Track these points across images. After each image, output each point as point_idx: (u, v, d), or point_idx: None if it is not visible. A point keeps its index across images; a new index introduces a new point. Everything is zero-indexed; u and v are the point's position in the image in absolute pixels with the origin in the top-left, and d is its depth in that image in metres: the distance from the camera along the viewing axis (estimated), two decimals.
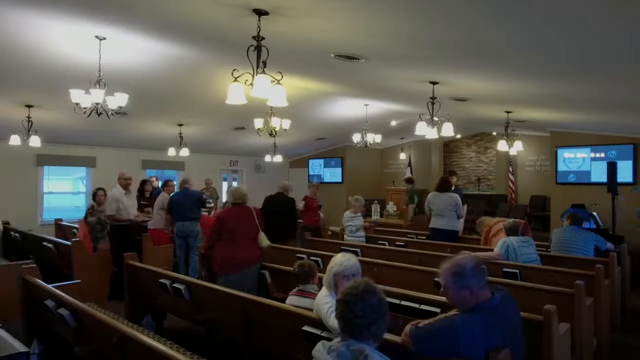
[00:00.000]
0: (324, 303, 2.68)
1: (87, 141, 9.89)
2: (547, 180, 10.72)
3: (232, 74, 3.63)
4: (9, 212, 8.07)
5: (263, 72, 3.61)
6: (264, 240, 4.54)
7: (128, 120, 7.79)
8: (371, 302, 1.83)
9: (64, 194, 11.65)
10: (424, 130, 5.97)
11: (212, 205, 9.35)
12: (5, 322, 2.78)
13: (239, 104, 3.85)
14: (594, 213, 8.09)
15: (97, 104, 4.84)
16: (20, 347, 1.99)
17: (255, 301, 3.25)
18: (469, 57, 4.40)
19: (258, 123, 7.53)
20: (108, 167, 10.12)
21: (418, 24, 3.56)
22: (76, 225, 7.68)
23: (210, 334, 4.25)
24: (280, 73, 3.70)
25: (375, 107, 8.77)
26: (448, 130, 6.06)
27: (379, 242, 6.63)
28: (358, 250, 5.70)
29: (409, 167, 13.18)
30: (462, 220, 6.76)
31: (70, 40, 4.70)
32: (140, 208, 7.18)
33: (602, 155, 9.11)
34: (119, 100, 4.98)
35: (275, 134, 7.60)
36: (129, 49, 5.05)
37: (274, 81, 3.66)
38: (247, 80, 3.67)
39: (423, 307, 3.04)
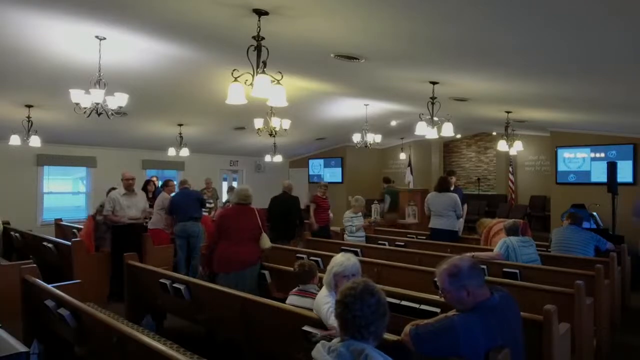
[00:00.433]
0: (324, 303, 2.68)
1: (87, 141, 9.89)
2: (547, 180, 10.72)
3: (232, 74, 3.63)
4: (9, 212, 8.06)
5: (263, 72, 3.61)
6: (266, 242, 4.54)
7: (128, 120, 7.79)
8: (370, 302, 1.83)
9: (64, 194, 11.64)
10: (424, 130, 5.98)
11: (212, 205, 9.35)
12: (5, 322, 2.77)
13: (239, 104, 3.84)
14: (594, 213, 8.09)
15: (97, 104, 4.83)
16: (20, 347, 1.99)
17: (255, 301, 3.25)
18: (469, 57, 4.40)
19: (258, 123, 7.53)
20: (108, 167, 10.13)
21: (418, 24, 3.56)
22: (76, 225, 7.69)
23: (210, 334, 4.26)
24: (280, 73, 3.70)
25: (375, 107, 8.77)
26: (448, 130, 6.06)
27: (379, 242, 6.64)
28: (358, 250, 5.70)
29: (409, 167, 13.18)
30: (462, 220, 6.76)
31: (70, 40, 4.70)
32: None
33: (602, 155, 9.11)
34: (119, 100, 4.98)
35: (275, 134, 7.60)
36: (129, 49, 5.05)
37: (274, 81, 3.66)
38: (247, 80, 3.67)
39: (423, 307, 3.04)
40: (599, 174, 8.92)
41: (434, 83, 5.52)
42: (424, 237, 6.78)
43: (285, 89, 3.78)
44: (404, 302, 3.13)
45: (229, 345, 3.79)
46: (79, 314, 3.11)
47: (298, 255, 5.27)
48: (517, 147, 8.14)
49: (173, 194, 7.00)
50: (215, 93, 6.70)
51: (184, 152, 9.59)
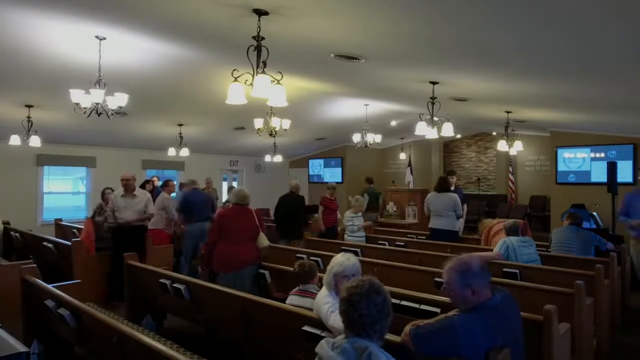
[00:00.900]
0: (324, 303, 2.68)
1: (87, 141, 9.90)
2: (547, 180, 10.73)
3: (232, 74, 3.63)
4: (9, 212, 8.06)
5: (263, 72, 3.61)
6: (264, 241, 4.59)
7: (128, 120, 7.79)
8: (376, 300, 1.84)
9: (64, 194, 11.64)
10: (424, 130, 5.98)
11: None
12: (5, 322, 2.77)
13: (239, 104, 3.85)
14: (594, 213, 8.10)
15: (97, 104, 4.83)
16: (20, 347, 1.99)
17: (255, 301, 3.25)
18: (469, 57, 4.40)
19: (258, 123, 7.53)
20: (108, 167, 10.13)
21: (418, 24, 3.56)
22: (76, 225, 7.69)
23: (210, 334, 4.26)
24: (280, 73, 3.70)
25: (375, 107, 8.77)
26: (448, 130, 6.06)
27: (379, 242, 6.64)
28: (358, 250, 5.70)
29: (409, 167, 13.18)
30: (462, 220, 6.76)
31: (70, 40, 4.70)
32: None
33: (602, 155, 9.12)
34: (119, 100, 4.98)
35: (275, 134, 7.61)
36: (129, 49, 5.04)
37: (274, 81, 3.66)
38: (247, 80, 3.67)
39: (423, 307, 3.04)
40: (599, 174, 8.92)
41: (434, 83, 5.52)
42: (424, 237, 6.78)
43: (285, 89, 3.78)
44: (404, 302, 3.13)
45: (229, 345, 3.79)
46: (79, 314, 3.11)
47: (298, 255, 5.27)
48: (517, 147, 8.14)
49: (173, 194, 6.98)
50: (215, 93, 6.70)
51: (184, 152, 9.60)
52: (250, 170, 14.00)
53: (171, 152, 9.82)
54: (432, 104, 5.75)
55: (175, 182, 8.16)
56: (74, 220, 8.90)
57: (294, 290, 3.34)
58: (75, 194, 11.66)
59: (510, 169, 12.01)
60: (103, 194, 6.68)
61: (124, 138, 9.90)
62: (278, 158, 10.59)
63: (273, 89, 3.66)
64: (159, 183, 8.63)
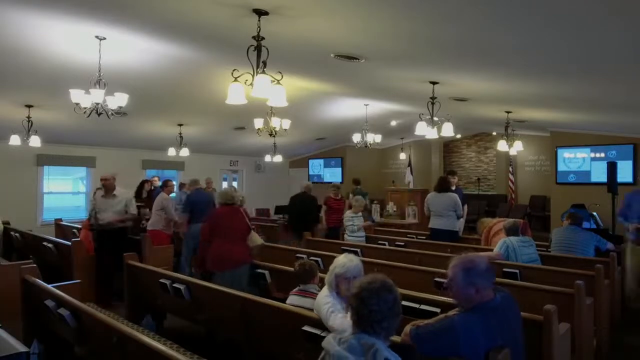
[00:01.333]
0: (325, 303, 2.68)
1: (87, 141, 9.90)
2: (547, 180, 10.73)
3: (232, 74, 3.63)
4: (9, 212, 8.05)
5: (263, 72, 3.61)
6: (257, 239, 4.68)
7: (128, 120, 7.79)
8: (387, 298, 1.84)
9: (64, 194, 11.64)
10: (424, 130, 5.98)
11: None
12: (5, 322, 2.77)
13: (239, 104, 3.85)
14: (594, 213, 8.09)
15: (97, 104, 4.83)
16: (20, 347, 1.99)
17: (255, 301, 3.25)
18: (469, 57, 4.40)
19: (258, 123, 7.53)
20: (108, 167, 10.06)
21: (418, 24, 3.56)
22: (76, 225, 7.68)
23: (210, 334, 4.25)
24: (280, 73, 3.70)
25: (375, 107, 8.77)
26: (448, 130, 6.06)
27: (379, 242, 6.63)
28: (358, 250, 5.70)
29: (409, 167, 13.18)
30: (462, 220, 6.75)
31: (70, 40, 4.70)
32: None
33: (602, 155, 9.12)
34: (119, 100, 4.98)
35: (275, 134, 7.61)
36: (129, 49, 5.05)
37: (274, 81, 3.66)
38: (247, 80, 3.67)
39: (423, 307, 3.04)
40: (599, 174, 8.92)
41: (434, 83, 5.52)
42: (424, 237, 6.77)
43: (285, 89, 3.78)
44: (404, 302, 3.10)
45: (229, 345, 3.79)
46: (79, 314, 3.11)
47: (298, 255, 5.27)
48: (517, 147, 8.14)
49: (173, 194, 6.96)
50: (215, 93, 6.70)
51: (184, 152, 9.60)
52: (250, 170, 14.00)
53: (171, 152, 9.82)
54: (432, 104, 5.75)
55: (174, 183, 8.15)
56: (74, 220, 8.88)
57: (294, 290, 3.34)
58: (75, 194, 11.65)
59: (510, 169, 12.01)
60: (94, 194, 6.62)
61: (124, 138, 9.90)
62: (278, 158, 10.59)
63: (273, 89, 3.66)
64: (159, 183, 8.62)
